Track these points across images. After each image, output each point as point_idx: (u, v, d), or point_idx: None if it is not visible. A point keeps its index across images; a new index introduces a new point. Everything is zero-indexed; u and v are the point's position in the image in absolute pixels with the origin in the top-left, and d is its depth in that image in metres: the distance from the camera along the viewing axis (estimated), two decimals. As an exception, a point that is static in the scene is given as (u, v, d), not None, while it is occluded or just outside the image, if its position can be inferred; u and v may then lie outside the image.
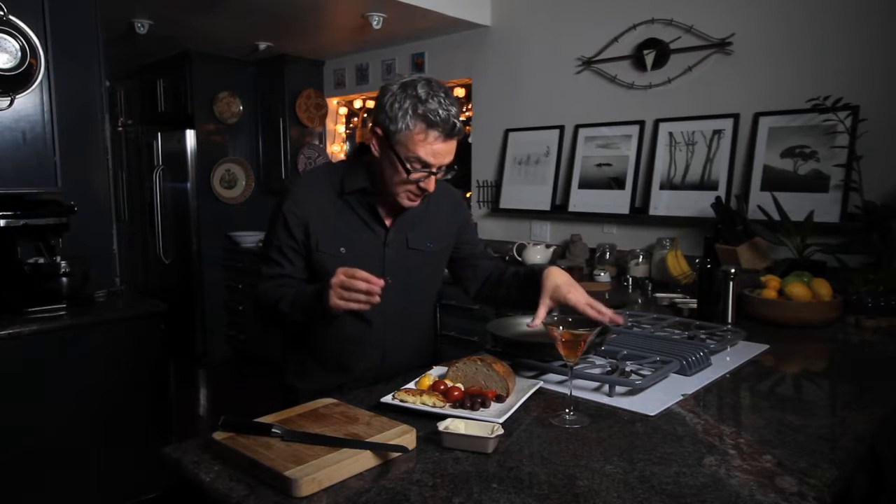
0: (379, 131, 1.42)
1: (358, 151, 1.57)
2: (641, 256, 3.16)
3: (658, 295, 2.56)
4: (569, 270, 3.24)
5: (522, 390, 1.33)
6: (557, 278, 1.48)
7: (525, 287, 1.59)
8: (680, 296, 2.48)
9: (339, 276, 1.31)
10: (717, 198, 2.81)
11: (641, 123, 3.28)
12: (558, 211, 3.55)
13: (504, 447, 1.10)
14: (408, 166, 1.40)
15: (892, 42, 2.55)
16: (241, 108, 5.09)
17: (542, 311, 1.46)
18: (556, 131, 3.62)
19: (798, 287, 2.06)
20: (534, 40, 3.71)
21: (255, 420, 1.13)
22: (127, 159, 5.67)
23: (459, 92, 4.43)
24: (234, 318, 5.06)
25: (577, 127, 3.53)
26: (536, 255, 3.49)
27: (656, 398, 1.35)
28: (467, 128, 4.35)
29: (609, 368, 1.49)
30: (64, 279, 2.47)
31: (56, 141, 2.52)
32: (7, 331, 2.22)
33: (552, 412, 1.27)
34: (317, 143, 5.16)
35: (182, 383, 4.64)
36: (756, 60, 2.91)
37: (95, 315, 2.48)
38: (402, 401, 1.27)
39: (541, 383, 1.40)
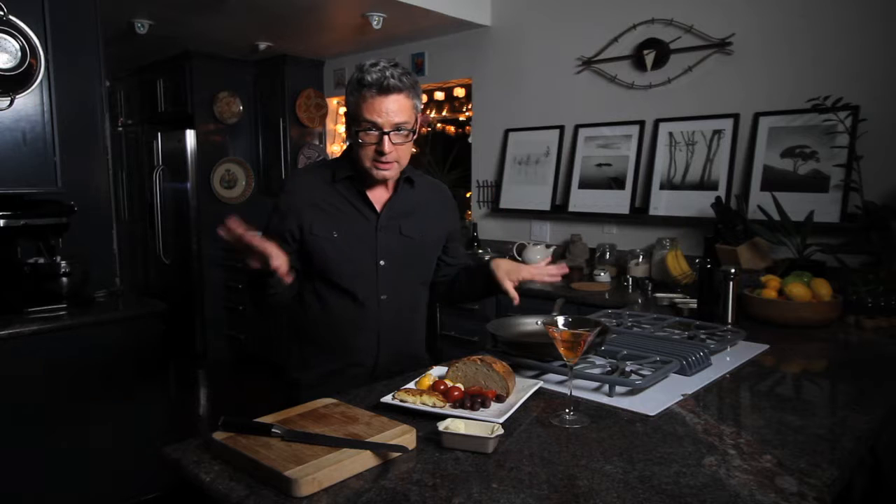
0: (345, 115, 1.56)
1: (349, 148, 1.64)
2: (641, 256, 3.16)
3: (658, 295, 2.56)
4: (569, 270, 3.28)
5: (522, 390, 1.34)
6: (504, 265, 1.61)
7: (473, 280, 1.70)
8: (680, 296, 2.48)
9: (271, 248, 1.34)
10: (717, 198, 2.81)
11: (641, 123, 3.28)
12: (558, 211, 3.55)
13: (504, 447, 1.10)
14: (358, 131, 1.49)
15: (893, 42, 2.55)
16: (241, 108, 5.09)
17: (513, 292, 1.57)
18: (556, 131, 3.62)
19: (798, 287, 2.06)
20: (534, 40, 3.71)
21: (255, 420, 1.13)
22: (127, 159, 5.67)
23: (459, 92, 4.44)
24: (234, 318, 5.06)
25: (577, 127, 3.53)
26: (536, 255, 3.49)
27: (656, 398, 1.35)
28: (468, 128, 4.35)
29: (609, 368, 1.49)
30: (64, 279, 2.47)
31: (56, 141, 2.52)
32: (7, 331, 2.22)
33: (552, 412, 1.27)
34: (317, 143, 5.16)
35: (182, 383, 4.64)
36: (756, 60, 2.91)
37: (95, 315, 2.48)
38: (402, 401, 1.27)
39: (541, 383, 1.40)
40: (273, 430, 1.07)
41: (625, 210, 3.27)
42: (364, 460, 1.02)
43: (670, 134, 3.17)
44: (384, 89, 1.45)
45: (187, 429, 3.57)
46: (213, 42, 4.54)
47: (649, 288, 2.89)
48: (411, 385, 1.35)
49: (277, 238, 1.53)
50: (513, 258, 3.61)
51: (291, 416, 1.18)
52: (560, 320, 1.27)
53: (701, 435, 1.16)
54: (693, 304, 2.24)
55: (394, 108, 1.47)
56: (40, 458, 2.33)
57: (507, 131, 3.87)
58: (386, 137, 1.47)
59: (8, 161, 2.43)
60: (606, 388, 1.39)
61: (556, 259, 3.50)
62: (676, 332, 1.85)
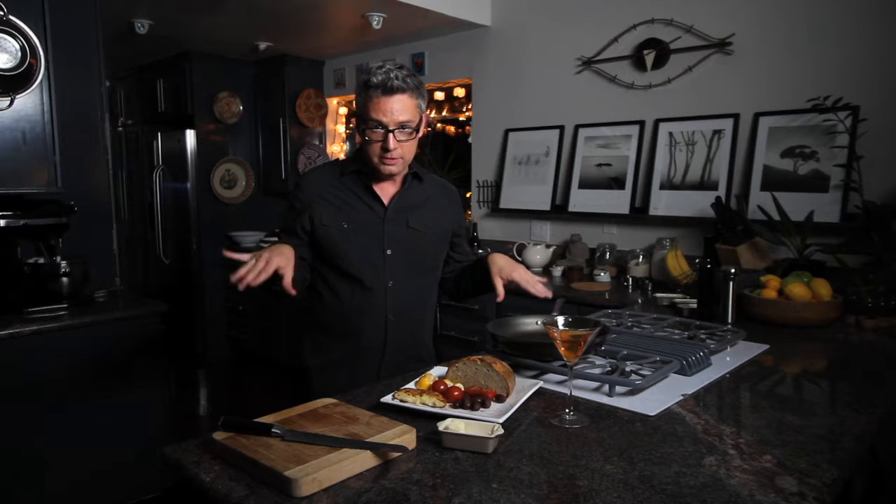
0: (354, 119, 1.57)
1: (360, 146, 1.71)
2: (641, 256, 3.16)
3: (658, 295, 2.56)
4: (569, 270, 3.28)
5: (522, 390, 1.34)
6: (499, 261, 1.67)
7: (474, 273, 1.76)
8: (680, 296, 2.48)
9: (275, 259, 1.41)
10: (717, 198, 2.81)
11: (641, 123, 3.28)
12: (558, 211, 3.55)
13: (504, 447, 1.10)
14: (365, 129, 1.57)
15: (893, 42, 2.55)
16: (241, 108, 5.09)
17: (500, 288, 1.62)
18: (556, 131, 3.62)
19: (798, 287, 2.06)
20: (534, 40, 3.71)
21: (255, 420, 1.13)
22: (127, 159, 5.67)
23: (459, 92, 4.44)
24: (234, 318, 5.06)
25: (577, 127, 3.53)
26: (536, 255, 3.49)
27: (656, 398, 1.35)
28: (468, 128, 4.35)
29: (609, 368, 1.49)
30: (64, 279, 2.47)
31: (56, 141, 2.52)
32: (7, 331, 2.22)
33: (552, 412, 1.27)
34: (317, 143, 5.16)
35: (182, 383, 4.64)
36: (756, 60, 2.91)
37: (95, 315, 2.48)
38: (402, 401, 1.27)
39: (541, 383, 1.41)
40: (273, 430, 1.07)
41: (625, 210, 3.27)
42: (364, 460, 1.02)
43: (670, 134, 3.17)
44: (389, 90, 1.53)
45: (187, 429, 3.57)
46: (213, 42, 4.54)
47: (649, 288, 2.89)
48: (411, 385, 1.35)
49: (290, 233, 1.66)
50: (513, 258, 3.61)
51: (291, 416, 1.18)
52: (560, 320, 1.27)
53: (701, 435, 1.16)
54: (693, 304, 2.24)
55: (398, 108, 1.54)
56: (40, 458, 2.33)
57: (507, 131, 3.87)
58: (391, 135, 1.55)
59: (8, 161, 2.43)
60: (606, 388, 1.39)
61: (556, 259, 3.50)
62: (676, 332, 1.85)
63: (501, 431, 1.09)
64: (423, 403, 1.24)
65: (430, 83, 4.36)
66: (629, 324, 1.96)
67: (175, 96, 5.04)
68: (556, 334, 1.24)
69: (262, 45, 4.53)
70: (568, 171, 3.55)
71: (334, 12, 3.77)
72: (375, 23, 3.75)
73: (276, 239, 1.75)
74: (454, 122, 4.70)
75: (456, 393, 1.26)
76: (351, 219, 1.64)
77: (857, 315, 2.10)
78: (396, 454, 1.04)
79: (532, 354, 1.53)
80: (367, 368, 1.67)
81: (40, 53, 2.45)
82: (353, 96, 5.00)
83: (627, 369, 1.46)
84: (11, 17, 2.38)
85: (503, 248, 3.80)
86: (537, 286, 1.63)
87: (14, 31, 2.38)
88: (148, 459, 2.53)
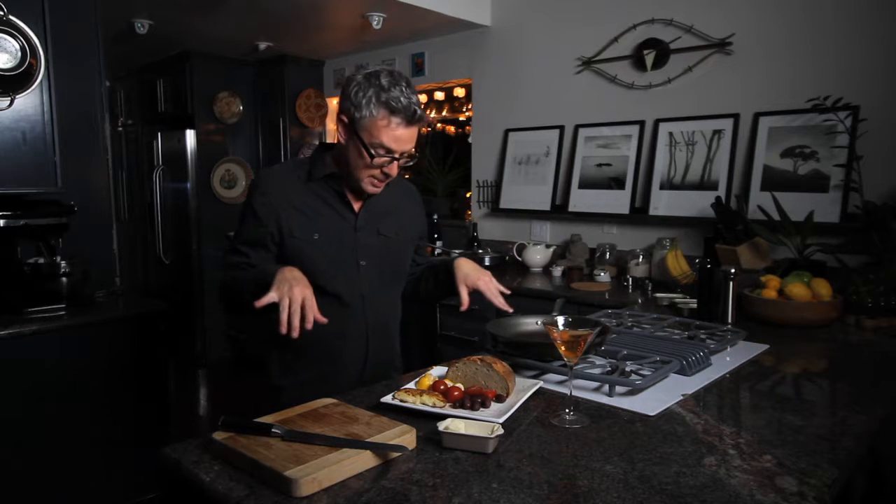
0: (345, 119, 1.48)
1: (320, 147, 1.63)
2: (641, 256, 3.16)
3: (658, 295, 2.56)
4: (569, 270, 3.28)
5: (522, 390, 1.34)
6: (465, 267, 1.60)
7: (437, 277, 1.70)
8: (680, 296, 2.48)
9: (306, 293, 1.32)
10: (717, 198, 2.81)
11: (641, 123, 3.28)
12: (558, 211, 3.55)
13: (504, 447, 1.10)
14: (371, 152, 1.44)
15: (893, 42, 2.55)
16: (241, 108, 5.09)
17: (464, 296, 1.57)
18: (556, 131, 3.62)
19: (798, 287, 2.06)
20: (534, 40, 3.71)
21: (255, 420, 1.13)
22: (127, 159, 5.67)
23: (459, 92, 4.44)
24: (234, 318, 5.06)
25: (577, 127, 3.53)
26: (536, 255, 3.49)
27: (656, 398, 1.35)
28: (468, 128, 4.35)
29: (609, 368, 1.49)
30: (64, 279, 2.47)
31: (56, 141, 2.52)
32: (7, 331, 2.22)
33: (552, 412, 1.27)
34: (316, 143, 5.16)
35: (182, 383, 4.64)
36: (756, 60, 2.91)
37: (95, 315, 2.48)
38: (402, 401, 1.27)
39: (541, 383, 1.41)
40: (273, 430, 1.07)
41: (625, 210, 3.27)
42: (364, 460, 1.02)
43: (670, 134, 3.17)
44: (412, 120, 1.43)
45: (187, 429, 3.57)
46: (213, 42, 4.54)
47: (649, 288, 2.89)
48: (411, 385, 1.35)
49: (258, 246, 1.52)
50: (513, 258, 3.62)
51: (291, 416, 1.18)
52: (560, 320, 1.27)
53: (701, 435, 1.16)
54: (693, 304, 2.24)
55: (411, 137, 1.46)
56: (40, 458, 2.33)
57: (507, 131, 3.87)
58: (396, 163, 1.47)
59: (8, 161, 2.43)
60: (606, 388, 1.39)
61: (556, 259, 3.50)
62: (676, 332, 1.85)
63: (501, 431, 1.09)
64: (423, 403, 1.24)
65: (430, 83, 4.37)
66: (629, 324, 1.96)
67: (175, 96, 5.04)
68: (556, 334, 1.24)
69: (262, 45, 4.53)
70: (568, 171, 3.55)
71: (334, 12, 3.77)
72: (375, 23, 3.75)
73: (237, 254, 1.56)
74: (454, 122, 4.71)
75: (456, 393, 1.26)
76: (322, 229, 1.53)
77: (857, 315, 2.10)
78: (396, 454, 1.04)
79: (532, 354, 1.52)
80: (344, 385, 1.53)
81: (40, 53, 2.45)
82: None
83: (627, 369, 1.46)
84: (11, 17, 2.38)
85: (503, 248, 3.80)
86: (499, 298, 1.56)
87: (14, 31, 2.39)
88: (148, 459, 2.53)
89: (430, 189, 4.78)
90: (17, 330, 2.24)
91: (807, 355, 1.84)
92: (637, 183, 3.26)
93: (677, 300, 2.41)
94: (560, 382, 1.44)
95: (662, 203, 3.15)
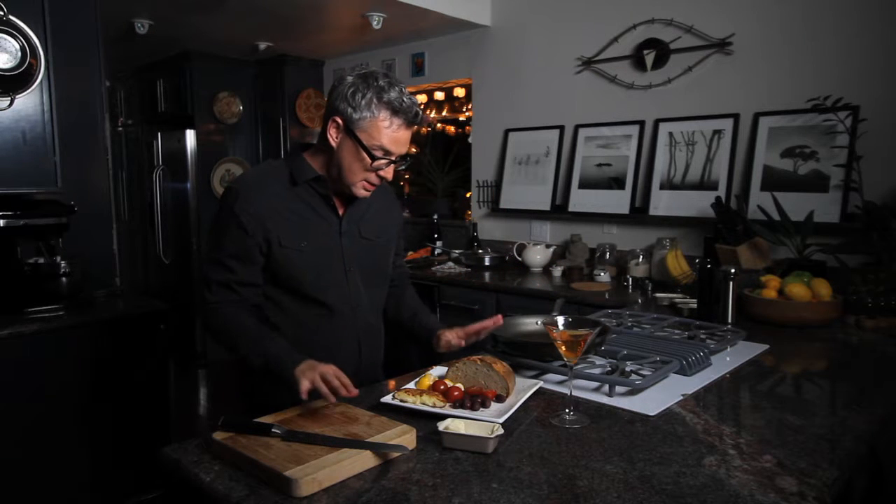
0: (339, 120, 1.40)
1: (298, 148, 1.56)
2: (641, 256, 3.16)
3: (658, 295, 2.56)
4: (569, 270, 3.28)
5: (522, 390, 1.34)
6: (446, 340, 1.55)
7: (413, 329, 1.67)
8: (680, 296, 2.48)
9: (331, 367, 1.26)
10: (717, 198, 2.81)
11: (641, 123, 3.28)
12: (558, 211, 3.55)
13: (504, 447, 1.10)
14: (372, 154, 1.39)
15: (893, 42, 2.55)
16: (241, 108, 5.09)
17: (445, 349, 1.55)
18: (556, 131, 3.62)
19: (798, 287, 2.06)
20: (534, 40, 3.71)
21: (255, 420, 1.13)
22: (127, 159, 5.67)
23: (459, 92, 4.44)
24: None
25: (577, 127, 3.53)
26: (536, 255, 3.49)
27: (656, 398, 1.35)
28: (468, 128, 4.35)
29: (609, 368, 1.49)
30: (64, 279, 2.47)
31: (56, 141, 2.52)
32: (7, 331, 2.21)
33: (552, 412, 1.27)
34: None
35: (182, 383, 4.64)
36: (756, 60, 2.91)
37: (95, 315, 2.48)
38: (402, 401, 1.27)
39: (541, 383, 1.41)
40: (273, 430, 1.07)
41: (625, 210, 3.27)
42: (364, 460, 1.02)
43: (670, 134, 3.17)
44: (413, 121, 1.41)
45: (187, 429, 3.57)
46: (213, 42, 4.54)
47: (649, 288, 2.89)
48: (411, 385, 1.35)
49: (245, 259, 1.44)
50: (513, 258, 3.61)
51: (291, 416, 1.18)
52: (560, 320, 1.27)
53: (701, 435, 1.16)
54: (693, 304, 2.24)
55: (409, 139, 1.44)
56: (40, 458, 2.33)
57: (507, 131, 3.87)
58: (392, 166, 1.43)
59: (8, 161, 2.43)
60: (606, 388, 1.39)
61: (556, 259, 3.50)
62: (676, 332, 1.85)
63: (501, 431, 1.09)
64: (423, 403, 1.24)
65: (430, 83, 4.36)
66: (629, 324, 1.96)
67: (175, 96, 5.04)
68: (556, 334, 1.24)
69: (262, 45, 4.53)
70: (568, 171, 3.55)
71: (334, 12, 3.77)
72: (375, 23, 3.75)
73: (223, 269, 1.50)
74: (454, 122, 4.71)
75: (456, 393, 1.26)
76: (310, 237, 1.47)
77: (857, 315, 2.10)
78: (396, 454, 1.04)
79: (532, 354, 1.53)
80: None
81: (40, 53, 2.45)
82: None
83: (627, 369, 1.46)
84: (11, 17, 2.38)
85: (503, 247, 3.80)
86: (482, 324, 1.52)
87: (14, 31, 2.38)
88: (148, 459, 2.53)
89: (429, 189, 4.78)
90: (17, 330, 2.24)
91: (807, 355, 1.85)
92: (637, 183, 3.26)
93: (677, 300, 2.41)
94: (560, 382, 1.44)
95: (662, 203, 3.15)
